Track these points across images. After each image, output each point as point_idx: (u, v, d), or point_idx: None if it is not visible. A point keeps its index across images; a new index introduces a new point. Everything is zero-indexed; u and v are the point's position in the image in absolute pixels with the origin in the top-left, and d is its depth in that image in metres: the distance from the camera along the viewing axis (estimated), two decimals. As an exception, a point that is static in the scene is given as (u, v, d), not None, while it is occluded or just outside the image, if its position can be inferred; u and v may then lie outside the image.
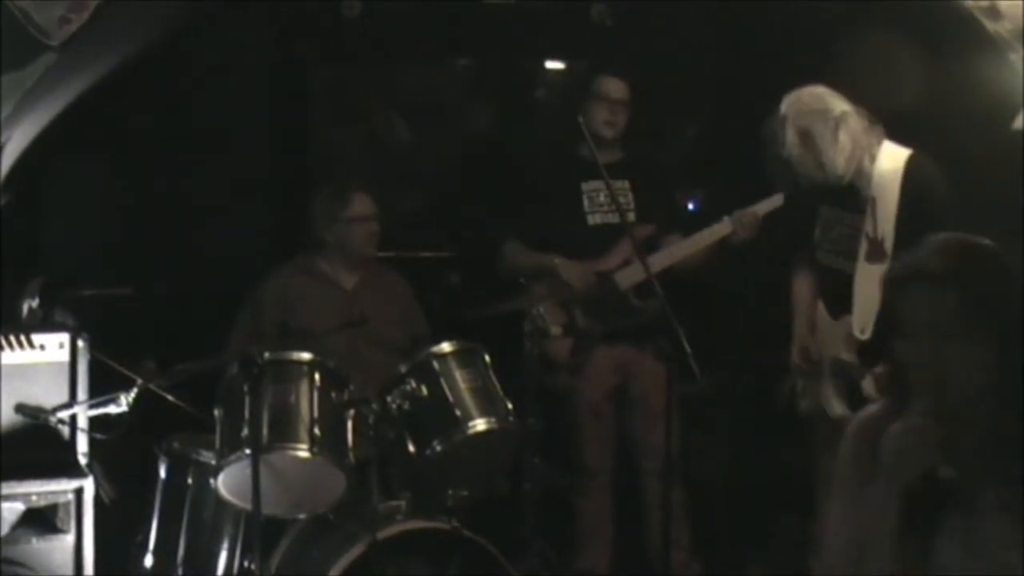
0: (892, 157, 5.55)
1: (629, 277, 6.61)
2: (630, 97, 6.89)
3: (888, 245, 5.46)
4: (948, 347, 3.34)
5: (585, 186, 6.86)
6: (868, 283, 5.47)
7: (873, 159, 5.53)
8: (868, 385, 5.45)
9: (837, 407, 5.59)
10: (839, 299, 5.62)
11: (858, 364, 5.52)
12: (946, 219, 5.41)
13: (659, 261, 6.53)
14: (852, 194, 5.58)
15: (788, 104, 5.56)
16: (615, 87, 6.87)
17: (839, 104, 5.53)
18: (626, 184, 6.89)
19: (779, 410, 5.96)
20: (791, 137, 5.48)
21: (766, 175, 5.77)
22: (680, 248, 6.67)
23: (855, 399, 5.53)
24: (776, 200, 6.41)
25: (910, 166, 5.52)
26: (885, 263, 5.41)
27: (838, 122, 5.48)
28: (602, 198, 6.81)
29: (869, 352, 5.43)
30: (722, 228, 6.59)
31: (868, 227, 5.51)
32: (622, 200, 6.78)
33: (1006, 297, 3.38)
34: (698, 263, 6.66)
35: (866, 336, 5.47)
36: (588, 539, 7.00)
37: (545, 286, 6.73)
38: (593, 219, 6.84)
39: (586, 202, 6.82)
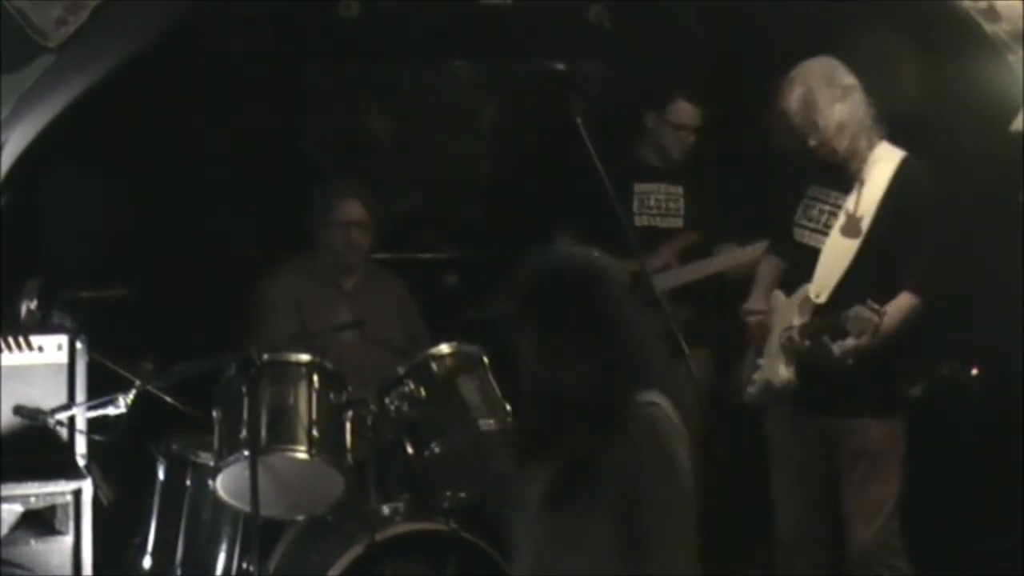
0: (888, 154, 5.60)
1: (666, 281, 6.63)
2: (703, 122, 6.91)
3: (865, 224, 5.52)
4: None
5: (638, 187, 6.88)
6: (836, 253, 5.56)
7: (871, 147, 5.57)
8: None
9: (784, 372, 5.60)
10: (803, 275, 5.65)
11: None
12: (931, 222, 5.51)
13: (669, 279, 6.60)
14: (843, 175, 5.61)
15: (800, 67, 5.61)
16: (688, 113, 6.91)
17: (848, 78, 5.57)
18: (680, 190, 6.91)
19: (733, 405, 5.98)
20: (795, 94, 5.52)
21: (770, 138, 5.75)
22: (696, 268, 6.71)
23: (802, 367, 5.56)
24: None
25: (904, 165, 5.56)
26: (858, 239, 5.51)
27: (843, 92, 5.53)
28: (653, 201, 6.84)
29: (822, 315, 5.51)
30: (714, 265, 6.68)
31: (850, 204, 5.58)
32: (672, 205, 6.83)
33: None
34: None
35: (821, 300, 5.55)
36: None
37: None
38: (640, 220, 6.86)
39: (636, 203, 6.84)
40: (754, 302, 5.90)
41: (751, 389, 5.76)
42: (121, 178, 7.28)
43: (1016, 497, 6.37)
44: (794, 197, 5.81)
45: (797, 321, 5.60)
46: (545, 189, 7.56)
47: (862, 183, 5.54)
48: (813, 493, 5.77)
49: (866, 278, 5.45)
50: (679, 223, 6.92)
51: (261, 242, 7.37)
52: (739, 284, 6.42)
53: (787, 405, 5.74)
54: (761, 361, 5.71)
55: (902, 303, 5.44)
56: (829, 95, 5.49)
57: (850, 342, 5.36)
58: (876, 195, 5.52)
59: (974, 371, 6.75)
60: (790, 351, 5.60)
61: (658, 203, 6.87)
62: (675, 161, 6.91)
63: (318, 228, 6.69)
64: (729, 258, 6.71)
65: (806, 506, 5.81)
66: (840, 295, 5.48)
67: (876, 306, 5.26)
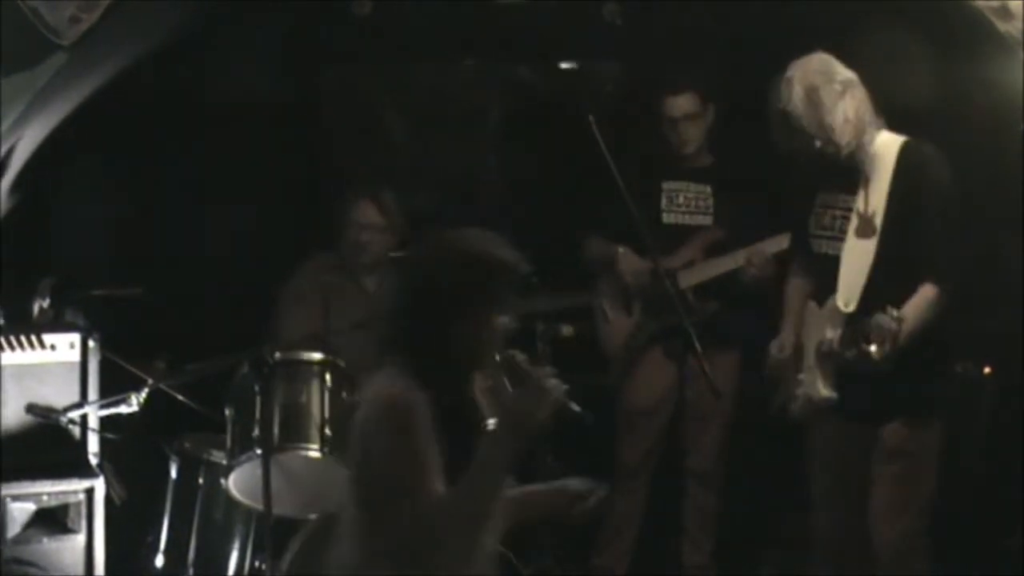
0: (889, 142, 5.49)
1: (690, 277, 6.63)
2: (700, 106, 6.85)
3: (878, 221, 5.42)
4: None
5: (666, 185, 6.87)
6: (855, 257, 5.47)
7: (873, 140, 5.48)
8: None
9: (823, 390, 5.56)
10: (829, 285, 5.58)
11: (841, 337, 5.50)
12: (940, 202, 5.41)
13: (690, 276, 6.62)
14: (849, 174, 5.52)
15: (796, 66, 5.47)
16: (677, 105, 6.83)
17: (846, 72, 5.46)
18: (708, 189, 6.90)
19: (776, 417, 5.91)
20: (797, 93, 5.37)
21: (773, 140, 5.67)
22: (700, 270, 6.70)
23: (842, 380, 5.52)
24: (781, 241, 6.41)
25: (905, 149, 5.47)
26: (874, 238, 5.42)
27: (845, 86, 5.40)
28: (682, 199, 6.85)
29: (853, 325, 5.39)
30: (735, 260, 6.65)
31: (860, 204, 5.47)
32: (702, 203, 6.83)
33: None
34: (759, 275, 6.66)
35: (851, 309, 5.44)
36: (611, 538, 6.98)
37: (609, 276, 6.81)
38: (668, 218, 6.86)
39: (664, 200, 6.83)
40: (785, 335, 5.83)
41: (794, 406, 5.72)
42: (135, 176, 7.28)
43: (1017, 498, 6.35)
44: (805, 210, 5.77)
45: (830, 334, 5.52)
46: (559, 189, 7.57)
47: (868, 179, 5.47)
48: (852, 496, 5.71)
49: (889, 276, 5.36)
50: (708, 220, 6.90)
51: (274, 242, 7.37)
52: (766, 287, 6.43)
53: (828, 415, 5.68)
54: (801, 376, 5.66)
55: (924, 295, 5.35)
56: (832, 91, 5.37)
57: (887, 345, 5.27)
58: (883, 188, 5.42)
59: (987, 370, 6.74)
60: (828, 366, 5.54)
61: (687, 201, 6.87)
62: (691, 156, 6.88)
63: (339, 228, 6.71)
64: (746, 253, 6.68)
65: (846, 509, 5.76)
66: (867, 299, 5.38)
67: (895, 313, 5.14)
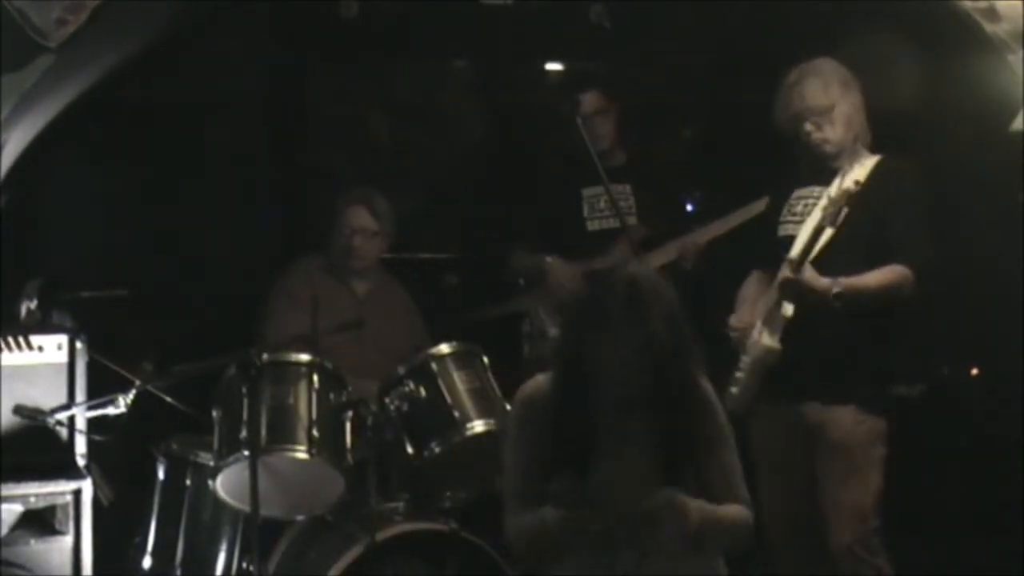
0: (870, 155, 5.64)
1: None
2: (606, 102, 6.91)
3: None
4: None
5: (586, 192, 6.87)
6: (815, 224, 5.48)
7: (858, 151, 5.63)
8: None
9: (767, 340, 5.57)
10: None
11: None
12: (912, 197, 5.54)
13: None
14: (830, 175, 5.58)
15: (809, 62, 5.68)
16: (587, 102, 6.88)
17: (851, 77, 5.64)
18: (627, 188, 6.91)
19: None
20: (807, 79, 5.60)
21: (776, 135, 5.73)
22: (651, 258, 6.70)
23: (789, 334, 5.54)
24: (713, 228, 6.48)
25: (883, 160, 5.60)
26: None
27: (849, 87, 5.60)
28: (602, 204, 6.83)
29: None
30: (667, 254, 6.66)
31: (832, 189, 5.49)
32: (623, 204, 6.80)
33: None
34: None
35: (794, 255, 5.48)
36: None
37: (541, 288, 6.76)
38: (592, 225, 6.85)
39: (586, 208, 6.83)
40: (740, 316, 5.85)
41: (733, 389, 5.73)
42: (121, 178, 7.28)
43: (1016, 497, 6.36)
44: (778, 204, 5.81)
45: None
46: (544, 190, 7.57)
47: (844, 173, 5.51)
48: (799, 494, 5.73)
49: (845, 245, 5.46)
50: (632, 221, 6.90)
51: (261, 243, 7.37)
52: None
53: (771, 401, 5.70)
54: (744, 357, 5.68)
55: (891, 268, 5.45)
56: (836, 85, 5.56)
57: (843, 280, 5.37)
58: (859, 179, 5.51)
59: (974, 371, 6.75)
60: (774, 319, 5.56)
61: (607, 204, 6.84)
62: (606, 154, 6.87)
63: (331, 231, 6.70)
64: (678, 245, 6.70)
65: (794, 507, 5.77)
66: (818, 258, 5.46)
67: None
